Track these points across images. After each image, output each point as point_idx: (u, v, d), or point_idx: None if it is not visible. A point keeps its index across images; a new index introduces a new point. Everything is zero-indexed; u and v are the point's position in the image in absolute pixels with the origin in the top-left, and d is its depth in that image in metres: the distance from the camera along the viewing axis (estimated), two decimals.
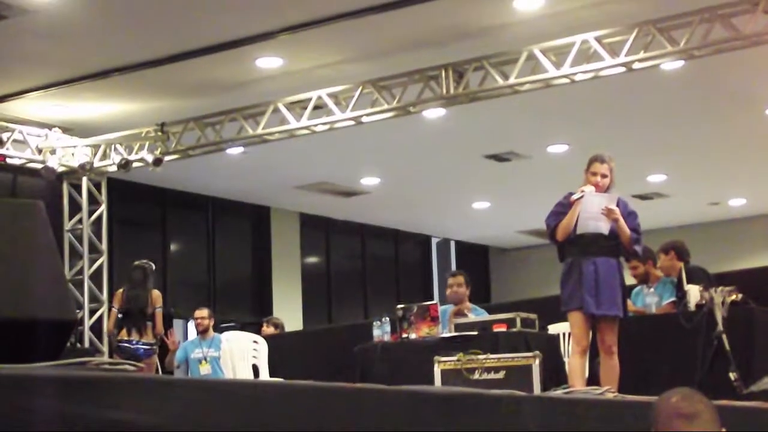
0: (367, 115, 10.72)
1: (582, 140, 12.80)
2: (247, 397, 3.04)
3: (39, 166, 11.71)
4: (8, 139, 11.49)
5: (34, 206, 3.54)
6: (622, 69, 9.49)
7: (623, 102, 12.04)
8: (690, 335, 7.34)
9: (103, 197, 12.47)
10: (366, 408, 3.42)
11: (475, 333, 7.69)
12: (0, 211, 3.57)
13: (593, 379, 7.02)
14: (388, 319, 8.31)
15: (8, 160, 11.74)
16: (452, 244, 20.28)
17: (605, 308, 6.84)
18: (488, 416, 3.89)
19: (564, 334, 7.97)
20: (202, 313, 10.77)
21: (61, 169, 11.90)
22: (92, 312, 12.11)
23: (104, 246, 12.40)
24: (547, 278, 10.06)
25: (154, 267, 10.82)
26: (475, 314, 8.60)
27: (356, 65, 10.54)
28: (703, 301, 7.45)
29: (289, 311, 15.83)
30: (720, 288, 7.41)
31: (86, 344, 11.76)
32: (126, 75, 10.55)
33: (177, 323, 14.39)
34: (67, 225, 12.27)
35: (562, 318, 7.25)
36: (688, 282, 7.92)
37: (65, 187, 12.34)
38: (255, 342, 10.17)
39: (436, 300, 10.96)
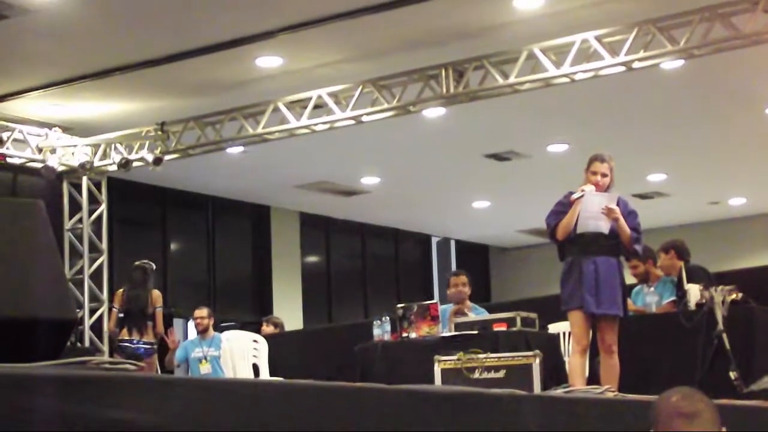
0: (367, 114, 10.72)
1: (582, 139, 12.80)
2: (247, 397, 3.04)
3: (39, 165, 11.71)
4: (8, 138, 11.49)
5: (34, 205, 3.54)
6: (622, 68, 9.49)
7: (623, 101, 12.04)
8: (690, 334, 7.34)
9: (103, 196, 12.47)
10: (366, 407, 3.42)
11: (476, 332, 7.68)
12: (0, 210, 3.57)
13: (593, 379, 7.02)
14: (388, 318, 8.31)
15: (8, 160, 11.73)
16: (452, 244, 20.28)
17: (605, 307, 6.85)
18: (488, 415, 3.89)
19: (564, 334, 7.97)
20: (202, 312, 10.77)
21: (61, 168, 11.90)
22: (92, 311, 12.11)
23: (104, 245, 12.40)
24: (548, 277, 10.07)
25: (154, 267, 10.83)
26: (476, 313, 8.60)
27: (356, 64, 10.54)
28: (704, 301, 7.45)
29: (289, 310, 15.83)
30: (720, 287, 7.41)
31: (86, 343, 11.76)
32: (126, 74, 10.55)
33: (177, 322, 14.38)
34: (68, 224, 12.27)
35: (563, 317, 7.25)
36: (689, 281, 7.93)
37: (65, 186, 12.33)
38: (255, 341, 10.17)
39: (436, 299, 10.96)
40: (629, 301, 8.00)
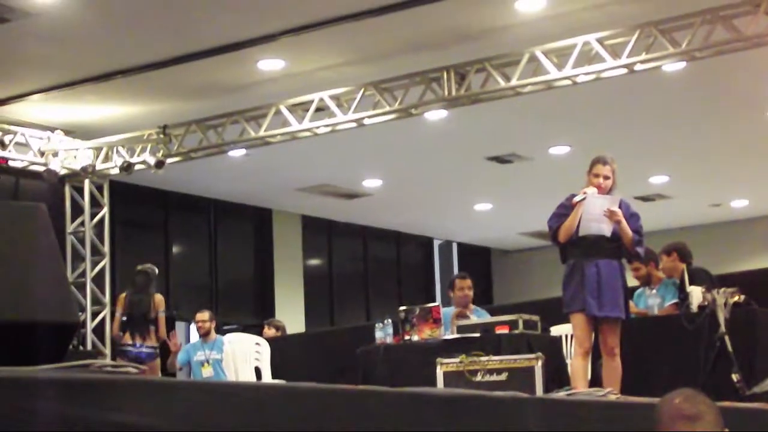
0: (369, 117, 10.72)
1: (584, 142, 12.80)
2: (249, 400, 3.04)
3: (41, 168, 11.72)
4: (10, 141, 11.50)
5: (36, 209, 3.54)
6: (624, 70, 9.49)
7: (625, 103, 12.04)
8: (692, 337, 7.33)
9: (105, 200, 12.47)
10: (368, 410, 3.42)
11: (478, 335, 7.69)
12: (2, 213, 3.58)
13: (595, 381, 7.01)
14: (390, 321, 8.31)
15: (10, 163, 11.75)
16: (454, 246, 20.27)
17: (607, 310, 6.84)
18: (491, 418, 3.89)
19: (566, 336, 7.97)
20: (203, 316, 10.76)
21: (63, 171, 11.91)
22: (94, 314, 12.11)
23: (106, 248, 12.40)
24: (549, 280, 10.08)
25: (157, 271, 10.83)
26: (478, 316, 8.60)
27: (358, 67, 10.54)
28: (706, 303, 7.44)
29: (291, 313, 15.83)
30: (722, 289, 7.40)
31: (88, 347, 11.76)
32: (128, 77, 10.56)
33: (179, 325, 14.40)
34: (70, 227, 12.28)
35: (565, 320, 7.24)
36: (691, 283, 7.92)
37: (67, 189, 12.34)
38: (257, 344, 10.16)
39: (438, 302, 10.96)
40: (631, 304, 7.98)
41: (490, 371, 7.04)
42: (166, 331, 10.55)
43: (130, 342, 10.37)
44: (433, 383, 7.07)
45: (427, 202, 16.66)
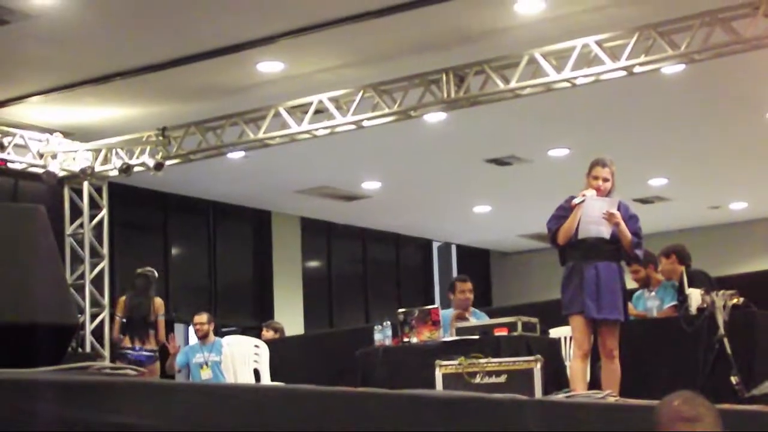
0: (368, 119, 10.73)
1: (583, 144, 12.81)
2: (248, 402, 3.04)
3: (40, 170, 11.72)
4: (9, 143, 11.51)
5: (35, 211, 3.54)
6: (623, 73, 9.50)
7: (624, 106, 12.04)
8: (691, 339, 7.32)
9: (104, 201, 12.48)
10: (367, 412, 3.42)
11: (477, 337, 7.68)
12: (1, 215, 3.57)
13: (594, 383, 7.02)
14: (389, 323, 8.31)
15: (9, 165, 11.75)
16: (453, 248, 20.27)
17: (606, 312, 6.84)
18: (490, 420, 3.89)
19: (565, 338, 7.97)
20: (201, 318, 10.75)
21: (62, 173, 11.91)
22: (93, 316, 12.11)
23: (105, 250, 12.40)
24: (549, 282, 10.07)
25: (156, 274, 10.83)
26: (477, 318, 8.60)
27: (357, 69, 10.55)
28: (705, 305, 7.44)
29: (290, 315, 15.82)
30: (721, 292, 7.39)
31: (87, 349, 11.76)
32: (127, 79, 10.56)
33: (178, 327, 14.40)
34: (69, 229, 12.28)
35: (564, 322, 7.25)
36: (690, 286, 7.91)
37: (66, 191, 12.34)
38: (256, 346, 10.16)
39: (437, 304, 10.97)
40: (630, 306, 7.99)
41: (489, 373, 7.05)
42: (165, 333, 10.56)
43: (129, 345, 10.38)
44: (432, 385, 7.07)
45: (426, 204, 16.66)
